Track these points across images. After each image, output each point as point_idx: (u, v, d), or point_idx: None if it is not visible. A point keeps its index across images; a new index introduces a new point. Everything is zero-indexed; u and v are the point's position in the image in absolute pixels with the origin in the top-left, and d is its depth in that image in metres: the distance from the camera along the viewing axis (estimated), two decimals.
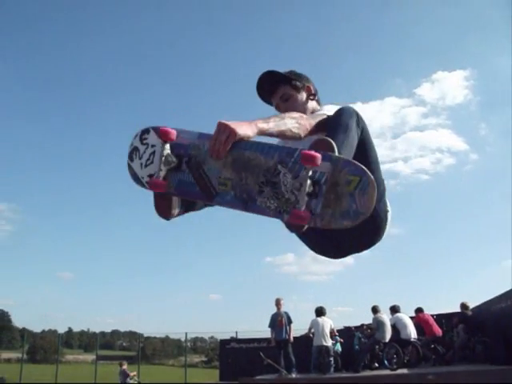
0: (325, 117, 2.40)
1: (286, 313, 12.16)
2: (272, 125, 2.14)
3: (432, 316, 13.34)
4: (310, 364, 11.96)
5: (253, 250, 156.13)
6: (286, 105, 2.76)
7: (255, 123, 2.10)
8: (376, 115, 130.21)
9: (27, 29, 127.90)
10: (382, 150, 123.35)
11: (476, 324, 12.42)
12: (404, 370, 10.87)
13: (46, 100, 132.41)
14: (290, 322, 12.04)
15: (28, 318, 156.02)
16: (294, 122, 2.23)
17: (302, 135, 2.27)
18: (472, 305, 13.57)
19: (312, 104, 2.83)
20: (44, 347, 61.46)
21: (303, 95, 2.81)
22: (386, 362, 11.62)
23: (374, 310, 12.19)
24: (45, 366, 46.25)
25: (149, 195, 2.23)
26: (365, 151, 2.36)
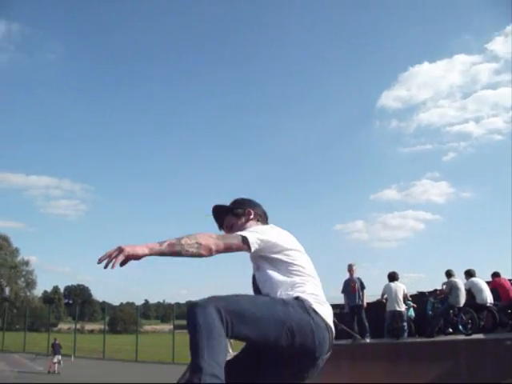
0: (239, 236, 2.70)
1: (358, 278, 12.20)
2: (165, 246, 2.49)
3: (509, 280, 13.05)
4: (384, 329, 11.95)
5: (322, 217, 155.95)
6: (231, 232, 3.01)
7: (147, 245, 2.48)
8: (444, 75, 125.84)
9: None
10: (451, 110, 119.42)
11: None
12: (480, 335, 10.71)
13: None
14: (362, 287, 12.10)
15: (107, 292, 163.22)
16: (193, 243, 2.53)
17: (204, 253, 2.58)
18: None
19: (251, 223, 3.06)
20: (123, 318, 64.39)
21: (243, 219, 3.09)
22: (460, 327, 11.44)
23: (448, 273, 11.98)
24: (125, 336, 48.55)
25: None
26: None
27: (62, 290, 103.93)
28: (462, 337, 10.88)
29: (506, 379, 8.29)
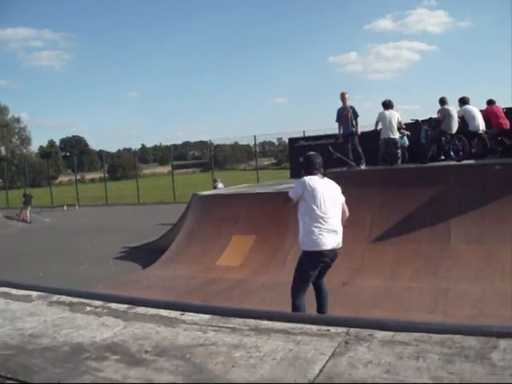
0: None
1: (351, 107, 12.08)
2: None
3: (503, 109, 13.07)
4: (378, 157, 12.12)
5: (315, 49, 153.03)
6: None
7: None
8: None
9: None
10: None
11: None
12: (470, 161, 10.99)
13: None
14: (356, 115, 12.02)
15: (103, 140, 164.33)
16: None
17: None
18: None
19: None
20: (122, 165, 65.27)
21: None
22: (452, 153, 11.68)
23: (442, 101, 11.92)
24: (125, 182, 49.61)
25: None
26: None
27: (57, 143, 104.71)
28: (453, 162, 11.16)
29: (491, 201, 8.69)
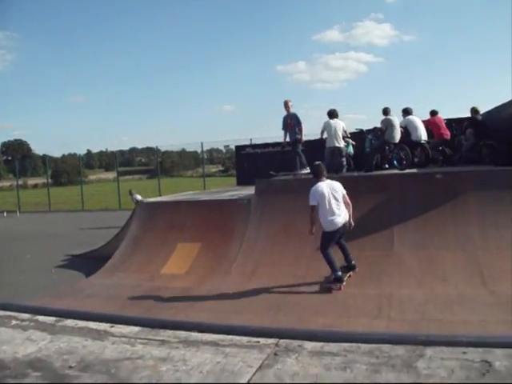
0: None
1: (294, 114, 12.15)
2: None
3: (445, 120, 13.48)
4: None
5: (264, 58, 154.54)
6: None
7: None
8: None
9: None
10: None
11: (484, 128, 12.64)
12: (413, 170, 11.27)
13: None
14: (298, 122, 12.09)
15: (47, 145, 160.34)
16: None
17: None
18: (483, 110, 13.70)
19: None
20: (67, 170, 63.81)
21: None
22: (395, 162, 11.95)
23: (385, 111, 12.22)
24: (70, 187, 48.56)
25: None
26: None
27: None
28: (396, 171, 11.42)
29: (432, 208, 8.94)
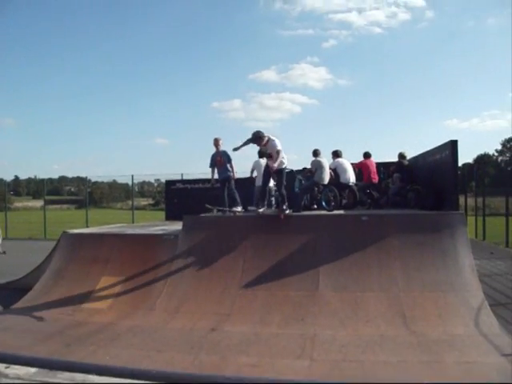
0: None
1: (224, 151, 12.09)
2: None
3: (376, 164, 13.90)
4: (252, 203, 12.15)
5: (199, 93, 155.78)
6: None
7: None
8: None
9: None
10: None
11: (411, 173, 13.13)
12: (341, 212, 11.49)
13: None
14: (229, 159, 12.06)
15: None
16: None
17: None
18: (410, 156, 14.24)
19: None
20: None
21: None
22: (323, 203, 12.15)
23: (315, 153, 12.42)
24: None
25: None
26: None
27: None
28: (324, 212, 11.60)
29: (358, 250, 9.11)
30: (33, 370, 1.81)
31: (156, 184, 62.76)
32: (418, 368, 6.05)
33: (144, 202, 59.11)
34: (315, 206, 12.71)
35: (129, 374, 1.69)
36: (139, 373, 1.65)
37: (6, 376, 1.79)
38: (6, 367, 1.87)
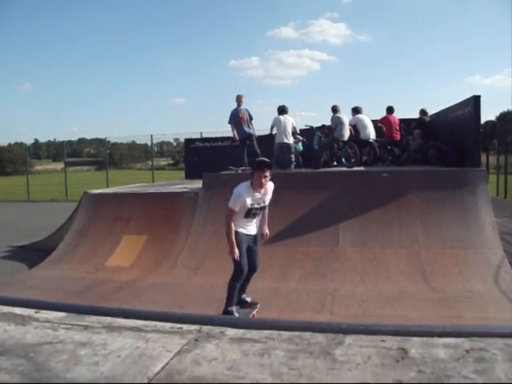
0: None
1: (246, 109, 12.15)
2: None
3: (400, 120, 13.66)
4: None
5: (217, 52, 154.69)
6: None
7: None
8: None
9: None
10: None
11: (432, 130, 12.91)
12: (361, 168, 11.40)
13: None
14: (251, 118, 12.15)
15: None
16: None
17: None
18: (431, 112, 13.99)
19: None
20: (12, 159, 61.81)
21: None
22: (343, 160, 12.05)
23: (334, 109, 12.23)
24: (16, 177, 47.21)
25: None
26: None
27: None
28: (344, 169, 11.53)
29: (378, 207, 9.06)
30: (61, 314, 1.87)
31: (175, 144, 62.77)
32: (436, 322, 6.06)
33: (163, 161, 59.25)
34: (335, 163, 12.62)
35: (155, 316, 1.74)
36: (165, 315, 1.69)
37: (37, 319, 1.85)
38: (36, 312, 1.94)
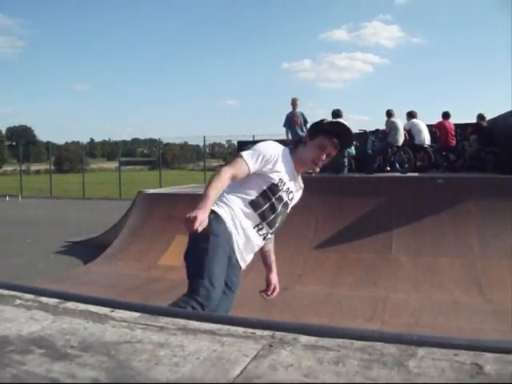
0: None
1: (301, 113, 12.16)
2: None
3: (455, 125, 13.42)
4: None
5: (269, 55, 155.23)
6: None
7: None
8: None
9: None
10: None
11: (489, 135, 12.61)
12: (415, 174, 11.26)
13: None
14: (305, 121, 12.05)
15: (51, 132, 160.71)
16: None
17: None
18: (490, 117, 13.67)
19: None
20: (69, 158, 63.89)
21: None
22: (397, 165, 11.94)
23: (389, 113, 12.18)
24: (72, 175, 48.58)
25: None
26: None
27: (3, 131, 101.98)
28: (398, 174, 11.41)
29: (431, 214, 8.90)
30: (136, 314, 1.95)
31: (227, 145, 63.42)
32: (492, 337, 5.91)
33: (215, 162, 59.76)
34: (388, 168, 12.52)
35: (227, 320, 1.77)
36: (238, 319, 1.73)
37: (113, 318, 1.92)
38: (111, 311, 2.02)
